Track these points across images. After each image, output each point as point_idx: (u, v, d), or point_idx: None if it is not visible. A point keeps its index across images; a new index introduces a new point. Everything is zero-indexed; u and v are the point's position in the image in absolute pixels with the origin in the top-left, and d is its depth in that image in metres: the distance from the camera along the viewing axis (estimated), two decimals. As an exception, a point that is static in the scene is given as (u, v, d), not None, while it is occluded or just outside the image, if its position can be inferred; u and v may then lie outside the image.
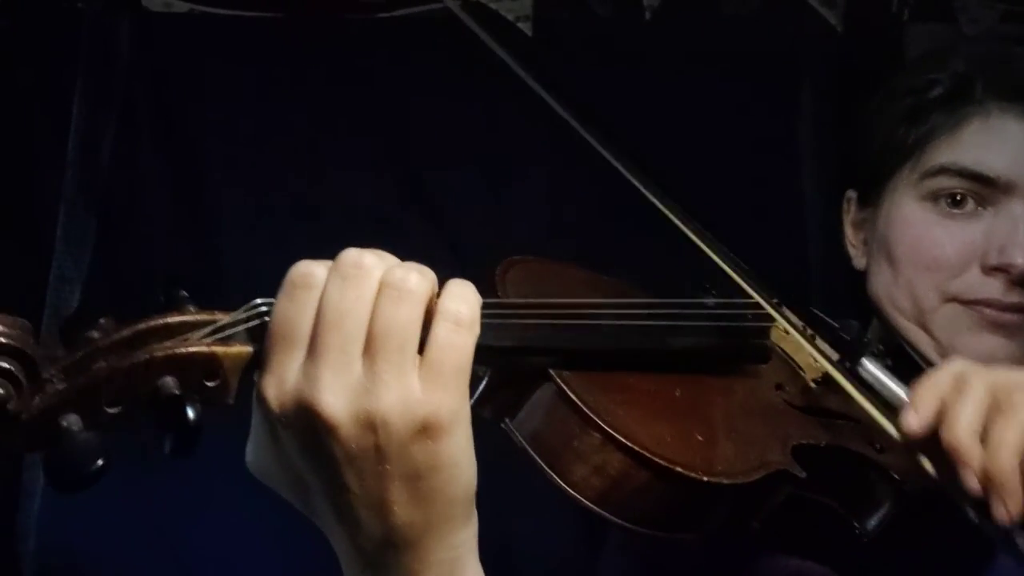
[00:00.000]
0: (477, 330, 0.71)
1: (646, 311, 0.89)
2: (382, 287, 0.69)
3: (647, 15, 1.73)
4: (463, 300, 0.72)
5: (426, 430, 0.69)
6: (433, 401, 0.69)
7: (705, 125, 1.75)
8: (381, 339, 0.68)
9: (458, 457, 0.71)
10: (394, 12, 1.74)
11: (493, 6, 1.74)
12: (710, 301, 0.96)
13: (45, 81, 1.68)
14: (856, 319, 1.19)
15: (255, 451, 0.73)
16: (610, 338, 0.85)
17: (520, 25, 1.73)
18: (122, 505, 1.61)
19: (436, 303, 0.71)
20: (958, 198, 1.10)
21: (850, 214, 1.23)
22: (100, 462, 0.62)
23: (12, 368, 0.61)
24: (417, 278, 0.70)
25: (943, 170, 1.10)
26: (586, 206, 1.73)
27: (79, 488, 0.63)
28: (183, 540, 1.67)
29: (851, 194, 1.23)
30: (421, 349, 0.70)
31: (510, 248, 1.66)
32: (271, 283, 1.83)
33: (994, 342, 1.09)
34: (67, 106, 1.67)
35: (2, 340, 0.62)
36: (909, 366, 1.12)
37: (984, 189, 1.09)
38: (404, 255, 1.85)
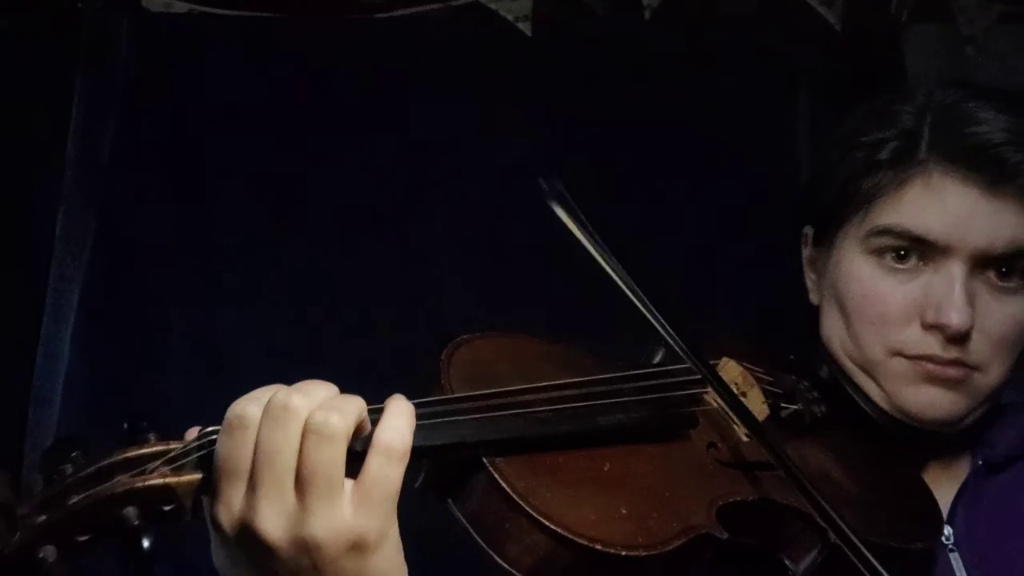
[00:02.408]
0: (407, 459, 0.81)
1: (578, 391, 0.97)
2: (306, 431, 0.78)
3: (646, 15, 1.74)
4: (396, 432, 0.81)
5: (356, 548, 0.79)
6: (362, 524, 0.79)
7: (704, 125, 1.75)
8: (309, 476, 0.78)
9: (388, 568, 0.81)
10: (394, 12, 1.74)
11: (493, 6, 1.74)
12: (649, 371, 1.04)
13: (45, 81, 1.68)
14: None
15: (216, 558, 0.84)
16: (539, 425, 0.92)
17: (520, 25, 1.74)
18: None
19: (371, 431, 0.81)
20: (902, 253, 1.14)
21: (807, 250, 1.27)
22: None
23: None
24: (337, 419, 0.78)
25: (886, 230, 1.14)
26: (579, 206, 1.73)
27: None
28: (179, 541, 1.67)
29: (808, 231, 1.27)
30: (356, 471, 0.80)
31: (505, 245, 1.65)
32: (270, 283, 1.83)
33: (936, 394, 1.14)
34: (67, 106, 1.67)
35: None
36: (847, 409, 1.18)
37: (924, 248, 1.13)
38: (400, 253, 1.85)
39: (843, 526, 0.94)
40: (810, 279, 1.27)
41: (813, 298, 1.26)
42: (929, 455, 1.21)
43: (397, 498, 0.80)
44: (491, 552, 0.87)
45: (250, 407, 0.79)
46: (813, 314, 1.25)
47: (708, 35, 1.77)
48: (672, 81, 1.76)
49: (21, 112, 1.67)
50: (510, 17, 1.73)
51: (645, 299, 1.00)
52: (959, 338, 1.11)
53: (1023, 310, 1.14)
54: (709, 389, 1.04)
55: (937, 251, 1.12)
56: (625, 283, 1.00)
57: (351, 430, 0.79)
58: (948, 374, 1.12)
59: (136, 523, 0.76)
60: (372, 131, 1.73)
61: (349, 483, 0.79)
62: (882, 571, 0.91)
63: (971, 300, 1.11)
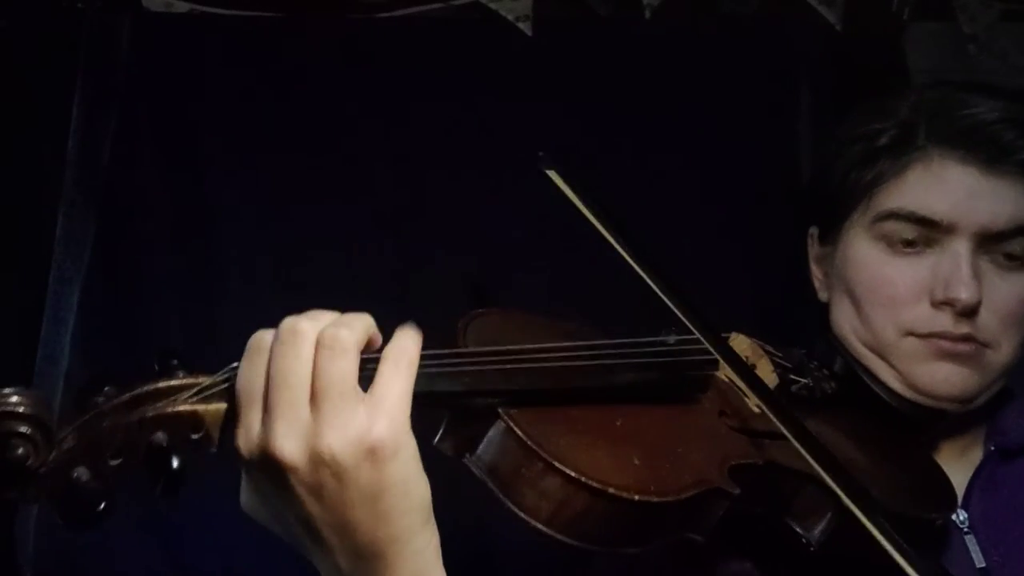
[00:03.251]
0: (415, 369, 0.83)
1: (591, 352, 0.99)
2: (318, 347, 0.81)
3: (647, 14, 1.73)
4: (402, 345, 0.84)
5: (373, 457, 0.80)
6: (376, 432, 0.80)
7: (704, 124, 1.75)
8: (323, 390, 0.80)
9: (407, 476, 0.82)
10: (394, 12, 1.75)
11: (493, 6, 1.74)
12: (661, 339, 1.06)
13: (45, 81, 1.68)
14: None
15: (244, 495, 0.86)
16: (553, 378, 0.95)
17: (520, 25, 1.74)
18: (120, 509, 1.61)
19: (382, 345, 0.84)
20: (910, 238, 1.17)
21: (813, 249, 1.30)
22: (104, 505, 0.77)
23: (31, 433, 0.75)
24: (347, 333, 0.82)
25: (891, 214, 1.17)
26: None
27: (88, 528, 0.77)
28: (181, 543, 1.67)
29: (813, 231, 1.29)
30: (368, 386, 0.82)
31: (506, 244, 1.65)
32: (270, 282, 1.83)
33: (949, 370, 1.16)
34: (67, 106, 1.67)
35: (22, 410, 0.75)
36: (860, 395, 1.20)
37: (929, 230, 1.16)
38: (401, 254, 1.85)
39: (851, 488, 0.95)
40: (817, 279, 1.29)
41: (822, 296, 1.28)
42: (942, 439, 1.23)
43: (408, 407, 0.82)
44: (508, 502, 0.88)
45: (266, 334, 0.83)
46: (822, 312, 1.27)
47: (708, 34, 1.77)
48: (672, 81, 1.76)
49: (21, 112, 1.67)
50: (510, 17, 1.73)
51: (654, 274, 1.01)
52: (968, 313, 1.14)
53: None
54: (721, 362, 1.05)
55: (941, 231, 1.15)
56: (632, 257, 1.00)
57: (361, 343, 0.82)
58: (959, 350, 1.15)
59: (165, 444, 0.79)
60: (372, 131, 1.73)
61: (362, 395, 0.81)
62: (893, 534, 0.91)
63: (977, 276, 1.14)
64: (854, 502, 0.94)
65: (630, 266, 1.01)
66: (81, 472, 0.77)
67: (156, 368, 0.83)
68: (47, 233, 1.66)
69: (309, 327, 0.81)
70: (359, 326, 0.83)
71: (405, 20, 1.74)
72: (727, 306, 1.71)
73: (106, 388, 0.80)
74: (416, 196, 1.73)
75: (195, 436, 0.81)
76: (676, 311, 1.00)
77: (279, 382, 0.80)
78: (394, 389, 0.82)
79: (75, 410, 0.79)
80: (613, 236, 1.01)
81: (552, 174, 1.01)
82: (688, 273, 1.70)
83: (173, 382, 0.81)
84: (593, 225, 1.01)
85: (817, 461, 0.96)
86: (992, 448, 1.22)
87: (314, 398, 0.80)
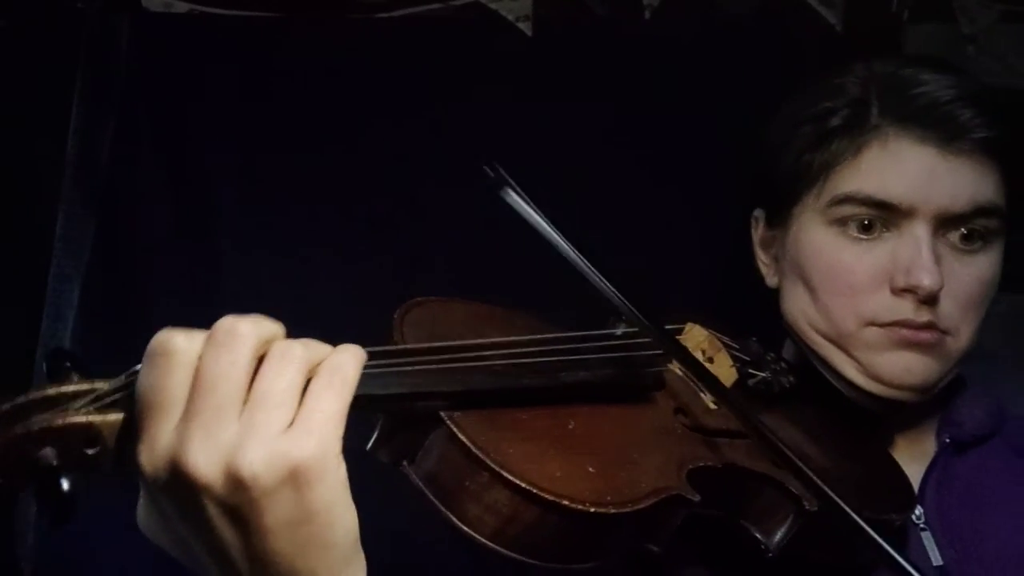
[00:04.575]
0: (350, 389, 0.74)
1: (539, 348, 0.91)
2: (269, 356, 0.73)
3: (646, 14, 1.73)
4: (338, 361, 0.75)
5: (293, 479, 0.71)
6: (299, 451, 0.71)
7: (703, 124, 1.75)
8: (259, 400, 0.72)
9: (332, 503, 0.73)
10: (394, 12, 1.75)
11: (493, 6, 1.74)
12: (611, 332, 0.99)
13: (45, 81, 1.68)
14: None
15: (142, 514, 0.77)
16: (499, 378, 0.87)
17: (520, 25, 1.74)
18: (119, 506, 1.61)
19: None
20: (867, 223, 1.12)
21: (759, 232, 1.26)
22: None
23: None
24: (302, 349, 0.74)
25: (847, 198, 1.13)
26: (581, 207, 1.73)
27: None
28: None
29: (758, 213, 1.26)
30: None
31: (505, 245, 1.65)
32: (270, 283, 1.83)
33: (911, 359, 1.12)
34: (67, 106, 1.67)
35: None
36: (816, 383, 1.17)
37: (887, 213, 1.12)
38: (399, 254, 1.85)
39: (820, 484, 0.90)
40: (763, 263, 1.25)
41: (770, 281, 1.24)
42: (896, 432, 1.20)
43: (339, 429, 0.74)
44: (450, 515, 0.81)
45: (175, 335, 0.72)
46: (771, 297, 1.24)
47: (707, 34, 1.77)
48: (672, 81, 1.76)
49: (21, 112, 1.67)
50: (510, 17, 1.73)
51: (599, 274, 0.96)
52: (931, 299, 1.10)
53: (986, 269, 1.14)
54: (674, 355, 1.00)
55: (900, 215, 1.11)
56: (584, 262, 0.95)
57: (312, 364, 0.74)
58: (921, 338, 1.11)
59: (54, 463, 0.67)
60: (372, 131, 1.73)
61: (290, 416, 0.73)
62: (863, 528, 0.88)
63: (938, 261, 1.10)
64: (822, 500, 0.89)
65: (574, 265, 0.96)
66: None
67: (46, 371, 0.72)
68: (47, 232, 1.66)
69: (249, 331, 0.73)
70: (318, 350, 0.75)
71: (405, 20, 1.74)
72: (725, 305, 1.72)
73: None
74: (416, 196, 1.73)
75: (90, 451, 0.70)
76: (620, 306, 0.94)
77: (207, 387, 0.71)
78: (323, 407, 0.73)
79: None
80: (560, 236, 0.96)
81: (510, 198, 0.95)
82: (686, 272, 1.71)
83: (65, 388, 0.71)
84: (552, 244, 0.96)
85: (780, 457, 0.91)
86: (947, 440, 1.19)
87: (247, 409, 0.72)
